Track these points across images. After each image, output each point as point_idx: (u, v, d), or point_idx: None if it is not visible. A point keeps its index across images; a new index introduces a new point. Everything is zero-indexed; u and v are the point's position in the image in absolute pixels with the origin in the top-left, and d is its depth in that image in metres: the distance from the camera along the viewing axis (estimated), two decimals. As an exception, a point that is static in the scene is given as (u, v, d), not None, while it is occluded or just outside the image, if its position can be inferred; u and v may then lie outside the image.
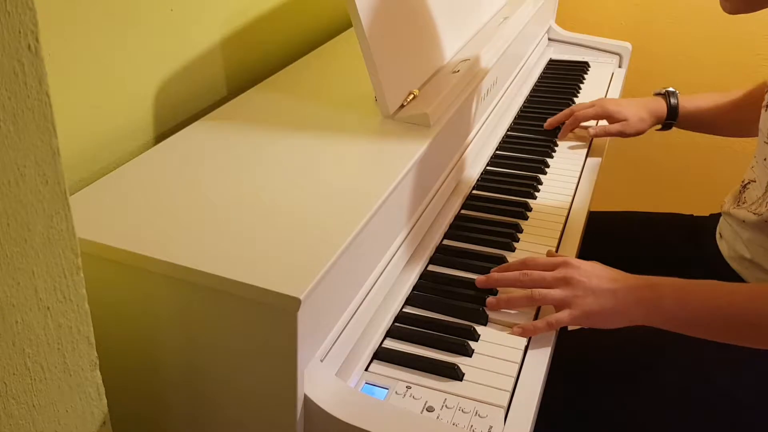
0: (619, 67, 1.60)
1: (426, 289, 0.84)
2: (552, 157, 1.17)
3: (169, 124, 0.94)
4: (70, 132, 0.79)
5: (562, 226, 0.99)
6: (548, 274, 0.80)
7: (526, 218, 0.99)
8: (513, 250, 0.92)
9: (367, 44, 0.85)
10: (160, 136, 0.92)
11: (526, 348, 0.77)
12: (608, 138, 1.24)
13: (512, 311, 0.81)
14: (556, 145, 1.21)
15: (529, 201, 1.03)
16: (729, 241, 1.00)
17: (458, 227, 0.96)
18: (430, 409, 0.68)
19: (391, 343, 0.76)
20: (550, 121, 1.25)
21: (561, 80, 1.47)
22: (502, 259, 0.89)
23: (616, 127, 1.20)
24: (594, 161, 1.18)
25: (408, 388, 0.70)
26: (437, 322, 0.79)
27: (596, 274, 0.79)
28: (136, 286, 0.66)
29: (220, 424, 0.69)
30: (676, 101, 1.20)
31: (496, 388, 0.70)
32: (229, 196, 0.73)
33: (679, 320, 0.77)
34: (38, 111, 0.41)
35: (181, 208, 0.70)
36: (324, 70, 1.08)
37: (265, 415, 0.66)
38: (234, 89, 1.05)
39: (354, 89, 1.00)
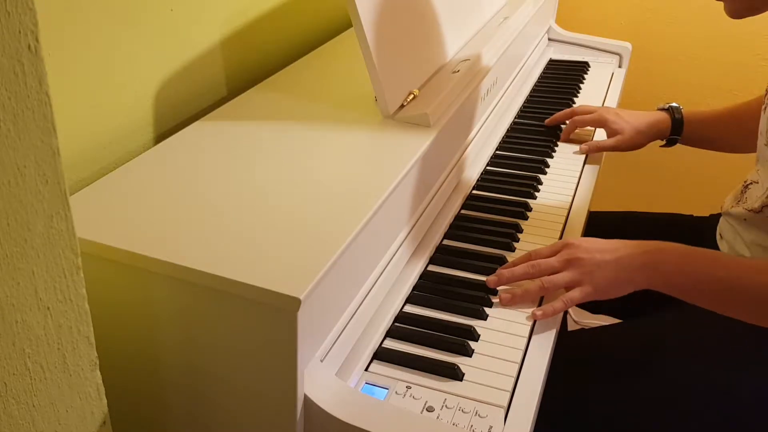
0: (619, 67, 1.60)
1: (426, 289, 0.84)
2: (552, 157, 1.17)
3: (169, 124, 0.94)
4: (70, 132, 0.79)
5: (562, 226, 0.99)
6: (554, 260, 0.83)
7: (526, 218, 0.99)
8: (513, 250, 0.92)
9: (367, 44, 0.85)
10: (160, 136, 0.93)
11: (527, 348, 0.77)
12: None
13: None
14: (556, 145, 1.21)
15: (529, 201, 1.03)
16: (729, 242, 1.00)
17: (458, 227, 0.96)
18: (430, 409, 0.68)
19: (391, 343, 0.76)
20: (550, 119, 1.25)
21: (561, 80, 1.47)
22: (502, 259, 0.89)
23: (609, 142, 1.17)
24: (594, 162, 1.18)
25: (408, 388, 0.70)
26: (437, 322, 0.79)
27: (597, 248, 0.83)
28: (136, 286, 0.66)
29: (220, 424, 0.69)
30: (680, 116, 1.17)
31: (496, 388, 0.70)
32: (229, 196, 0.73)
33: (679, 286, 0.80)
34: (38, 111, 0.41)
35: (181, 208, 0.70)
36: (324, 70, 1.08)
37: (265, 415, 0.66)
38: (234, 89, 1.05)
39: (354, 89, 1.00)
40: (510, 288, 0.84)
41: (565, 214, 1.02)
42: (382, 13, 0.89)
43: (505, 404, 0.69)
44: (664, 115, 1.18)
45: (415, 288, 0.84)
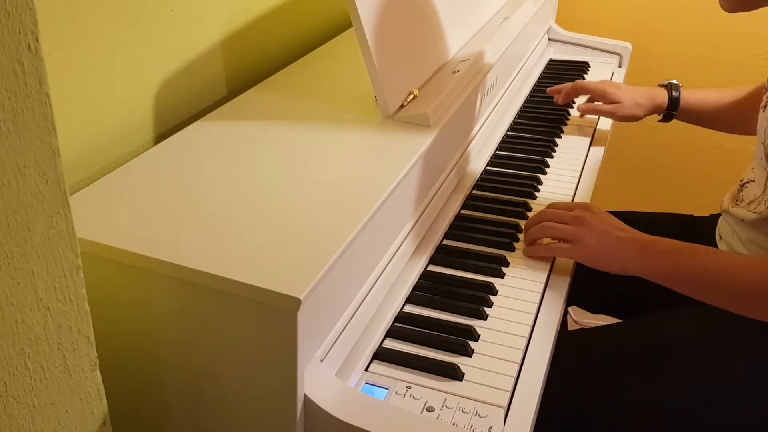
0: (619, 67, 1.60)
1: (426, 289, 0.84)
2: (552, 157, 1.17)
3: (169, 124, 0.94)
4: (70, 132, 0.79)
5: (562, 226, 0.99)
6: (566, 213, 0.89)
7: (526, 218, 0.99)
8: (513, 249, 0.92)
9: (367, 44, 0.85)
10: (160, 136, 0.93)
11: (527, 348, 0.77)
12: (610, 130, 1.26)
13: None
14: (556, 145, 1.21)
15: (529, 201, 1.03)
16: (727, 241, 1.00)
17: (458, 227, 0.96)
18: (430, 409, 0.68)
19: (391, 343, 0.76)
20: (554, 88, 1.30)
21: (561, 80, 1.46)
22: (502, 259, 0.89)
23: (607, 107, 1.22)
24: (594, 162, 1.18)
25: (408, 388, 0.70)
26: (437, 322, 0.79)
27: (608, 221, 0.87)
28: (136, 286, 0.66)
29: (220, 424, 0.69)
30: (678, 93, 1.22)
31: (496, 388, 0.70)
32: (229, 196, 0.73)
33: (669, 276, 0.83)
34: (38, 111, 0.41)
35: (181, 208, 0.70)
36: (324, 70, 1.08)
37: (265, 415, 0.66)
38: (234, 89, 1.05)
39: (354, 89, 1.00)
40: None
41: (565, 214, 1.02)
42: (382, 13, 0.89)
43: (505, 404, 0.69)
44: (662, 91, 1.23)
45: (415, 288, 0.84)
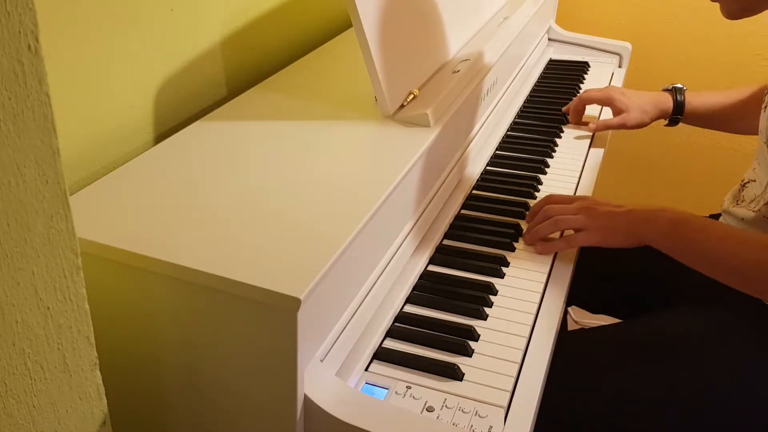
0: (619, 67, 1.60)
1: (426, 289, 0.84)
2: (552, 157, 1.17)
3: (169, 124, 0.94)
4: (70, 132, 0.79)
5: (562, 226, 0.99)
6: (571, 206, 0.92)
7: (526, 218, 0.99)
8: (513, 249, 0.92)
9: (367, 44, 0.85)
10: (160, 136, 0.93)
11: (527, 348, 0.77)
12: (610, 131, 1.26)
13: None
14: (556, 145, 1.21)
15: (529, 201, 1.03)
16: (729, 241, 1.00)
17: (458, 227, 0.96)
18: (430, 409, 0.68)
19: (391, 343, 0.76)
20: (565, 108, 1.30)
21: (561, 80, 1.47)
22: (502, 259, 0.89)
23: (616, 120, 1.23)
24: (594, 162, 1.18)
25: (408, 388, 0.70)
26: (437, 322, 0.79)
27: (609, 203, 0.91)
28: (136, 286, 0.66)
29: (220, 424, 0.69)
30: (682, 97, 1.23)
31: (496, 388, 0.70)
32: (229, 196, 0.73)
33: (673, 246, 0.86)
34: (38, 111, 0.41)
35: (181, 208, 0.70)
36: (324, 70, 1.08)
37: (265, 415, 0.66)
38: (234, 89, 1.05)
39: (354, 89, 1.00)
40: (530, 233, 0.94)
41: (565, 214, 1.02)
42: (382, 12, 0.89)
43: (505, 404, 0.69)
44: (667, 96, 1.24)
45: (415, 288, 0.84)
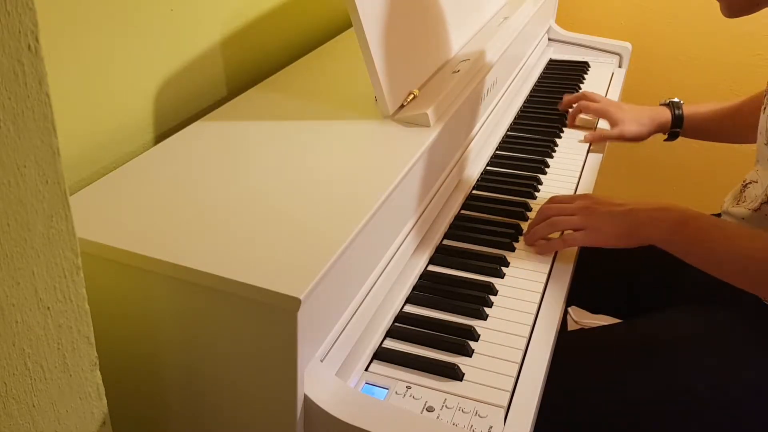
0: (619, 67, 1.60)
1: (426, 289, 0.84)
2: (552, 157, 1.17)
3: (169, 124, 0.94)
4: (70, 132, 0.79)
5: (562, 226, 0.99)
6: (570, 206, 0.91)
7: (526, 218, 0.99)
8: (513, 249, 0.92)
9: (367, 44, 0.85)
10: (160, 136, 0.93)
11: (527, 348, 0.77)
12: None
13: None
14: (556, 145, 1.21)
15: (529, 201, 1.03)
16: (729, 241, 1.00)
17: (458, 227, 0.96)
18: (430, 409, 0.68)
19: (391, 343, 0.76)
20: (562, 103, 1.30)
21: (561, 80, 1.47)
22: (502, 259, 0.89)
23: (614, 132, 1.22)
24: (594, 161, 1.18)
25: (408, 388, 0.70)
26: (437, 322, 0.79)
27: (611, 201, 0.90)
28: (136, 286, 0.66)
29: (220, 424, 0.69)
30: (680, 111, 1.22)
31: (496, 388, 0.70)
32: (229, 196, 0.73)
33: (676, 244, 0.84)
34: (38, 111, 0.41)
35: (181, 208, 0.70)
36: (324, 70, 1.09)
37: (265, 415, 0.66)
38: (234, 89, 1.05)
39: (354, 89, 1.00)
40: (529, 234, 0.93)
41: (565, 214, 1.02)
42: (382, 12, 0.89)
43: (505, 404, 0.69)
44: (665, 110, 1.23)
45: (415, 288, 0.84)
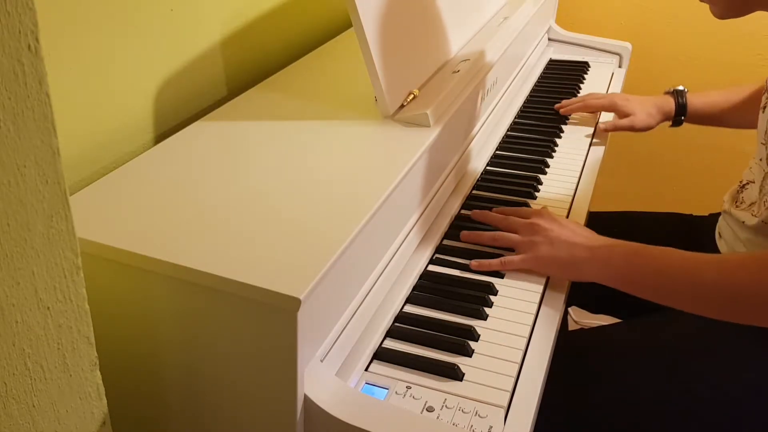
0: (619, 67, 1.60)
1: (426, 289, 0.84)
2: (552, 157, 1.17)
3: (169, 124, 0.94)
4: (70, 132, 0.79)
5: (562, 226, 0.99)
6: (520, 221, 0.88)
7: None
8: (513, 249, 0.92)
9: (367, 44, 0.85)
10: (160, 136, 0.93)
11: (527, 348, 0.77)
12: (609, 134, 1.28)
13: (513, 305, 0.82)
14: (556, 145, 1.21)
15: (529, 201, 1.03)
16: (728, 241, 1.00)
17: (458, 227, 0.96)
18: (430, 409, 0.68)
19: (391, 343, 0.76)
20: (561, 104, 1.31)
21: (561, 80, 1.47)
22: (502, 259, 0.89)
23: (625, 121, 1.25)
24: (594, 162, 1.18)
25: (408, 388, 0.70)
26: (437, 322, 0.79)
27: (563, 225, 0.86)
28: (136, 286, 0.66)
29: (220, 424, 0.69)
30: (684, 100, 1.25)
31: (496, 388, 0.70)
32: (229, 196, 0.73)
33: (629, 281, 0.80)
34: (38, 111, 0.41)
35: (181, 208, 0.70)
36: (324, 70, 1.08)
37: (265, 415, 0.66)
38: (234, 89, 1.05)
39: (354, 89, 1.00)
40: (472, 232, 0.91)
41: (565, 215, 1.02)
42: (382, 12, 0.89)
43: (505, 404, 0.69)
44: (669, 99, 1.26)
45: (415, 288, 0.84)
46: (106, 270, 0.66)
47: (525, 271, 0.87)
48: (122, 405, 0.70)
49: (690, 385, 0.85)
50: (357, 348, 0.73)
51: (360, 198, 0.73)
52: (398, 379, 0.71)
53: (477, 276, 0.86)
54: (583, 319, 1.87)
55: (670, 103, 1.25)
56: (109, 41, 0.81)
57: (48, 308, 0.45)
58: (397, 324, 0.78)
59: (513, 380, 0.72)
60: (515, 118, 1.28)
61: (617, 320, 1.12)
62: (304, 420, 0.65)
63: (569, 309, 1.76)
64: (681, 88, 1.26)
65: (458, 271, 0.87)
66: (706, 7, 0.96)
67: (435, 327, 0.78)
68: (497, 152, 1.17)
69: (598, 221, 1.16)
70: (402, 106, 0.92)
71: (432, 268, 0.88)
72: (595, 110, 1.29)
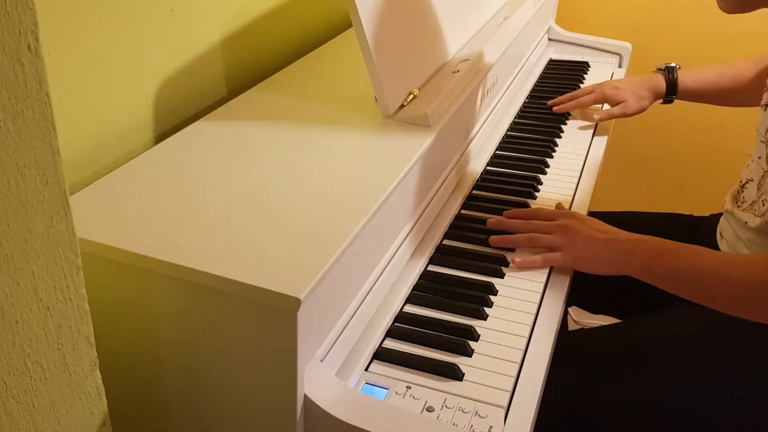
0: (619, 67, 1.60)
1: (426, 289, 0.84)
2: (552, 157, 1.17)
3: (169, 124, 0.94)
4: (70, 132, 0.79)
5: (562, 226, 0.99)
6: (551, 223, 0.91)
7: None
8: (513, 249, 0.92)
9: (367, 44, 0.85)
10: (160, 136, 0.93)
11: (527, 348, 0.77)
12: (612, 121, 1.29)
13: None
14: (556, 145, 1.21)
15: (529, 201, 1.03)
16: (729, 241, 1.00)
17: (458, 227, 0.96)
18: (430, 409, 0.68)
19: (391, 343, 0.76)
20: (554, 101, 1.32)
21: (561, 80, 1.47)
22: (502, 259, 0.89)
23: (617, 109, 1.25)
24: (594, 162, 1.18)
25: (408, 388, 0.70)
26: (437, 322, 0.79)
27: (592, 225, 0.89)
28: (136, 286, 0.66)
29: (220, 424, 0.69)
30: (674, 77, 1.25)
31: (496, 388, 0.70)
32: (229, 196, 0.73)
33: (656, 274, 0.83)
34: (38, 111, 0.41)
35: (181, 208, 0.70)
36: (324, 70, 1.08)
37: (265, 415, 0.66)
38: (234, 89, 1.05)
39: (354, 89, 1.00)
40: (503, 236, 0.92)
41: (565, 214, 1.02)
42: (382, 12, 0.89)
43: (505, 404, 0.69)
44: (659, 77, 1.26)
45: (415, 288, 0.84)
46: (106, 270, 0.66)
47: (529, 270, 0.88)
48: (122, 405, 0.70)
49: (690, 386, 0.85)
50: (357, 348, 0.73)
51: (360, 198, 0.73)
52: (398, 379, 0.71)
53: (477, 276, 0.86)
54: (583, 319, 1.87)
55: (660, 81, 1.25)
56: (109, 41, 0.81)
57: (48, 308, 0.45)
58: (397, 324, 0.79)
59: (513, 380, 0.72)
60: (515, 118, 1.28)
61: (617, 320, 1.12)
62: (304, 420, 0.65)
63: (569, 309, 1.76)
64: (673, 64, 1.26)
65: (458, 271, 0.87)
66: (706, 7, 0.96)
67: (435, 327, 0.78)
68: (497, 152, 1.17)
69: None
70: (402, 106, 0.92)
71: (432, 267, 0.88)
72: (587, 107, 1.30)
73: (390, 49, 0.89)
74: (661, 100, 1.28)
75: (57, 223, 0.44)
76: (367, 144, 0.85)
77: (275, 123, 0.89)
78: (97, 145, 0.83)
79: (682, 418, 0.84)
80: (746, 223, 0.95)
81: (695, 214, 1.19)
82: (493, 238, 0.91)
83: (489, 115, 1.17)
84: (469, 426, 0.66)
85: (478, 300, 0.82)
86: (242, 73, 1.07)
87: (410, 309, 0.81)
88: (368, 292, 0.76)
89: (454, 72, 1.02)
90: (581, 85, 1.45)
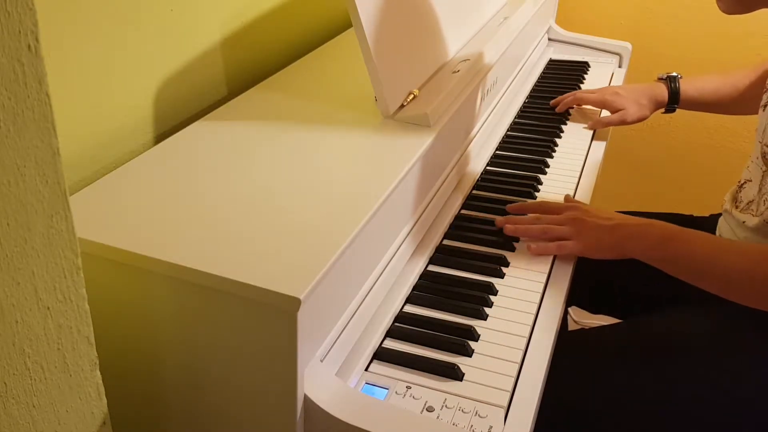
0: (619, 67, 1.60)
1: (426, 289, 0.84)
2: (552, 157, 1.17)
3: (169, 124, 0.94)
4: (70, 132, 0.79)
5: (562, 226, 0.99)
6: (559, 217, 0.93)
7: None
8: (513, 249, 0.92)
9: (367, 44, 0.85)
10: (160, 136, 0.93)
11: (527, 348, 0.77)
12: (611, 127, 1.29)
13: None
14: (556, 145, 1.21)
15: (529, 201, 1.03)
16: (729, 241, 1.00)
17: (458, 227, 0.96)
18: (430, 409, 0.68)
19: (391, 343, 0.76)
20: (556, 100, 1.32)
21: (561, 80, 1.47)
22: (502, 259, 0.89)
23: (615, 117, 1.25)
24: (594, 162, 1.18)
25: (408, 388, 0.70)
26: (437, 322, 0.79)
27: (599, 214, 0.92)
28: (136, 286, 0.66)
29: (219, 424, 0.69)
30: (677, 86, 1.25)
31: (496, 388, 0.70)
32: (229, 196, 0.73)
33: (659, 257, 0.86)
34: (38, 111, 0.41)
35: (181, 208, 0.70)
36: (324, 70, 1.08)
37: (265, 415, 0.66)
38: (234, 89, 1.05)
39: (354, 89, 1.00)
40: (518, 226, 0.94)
41: (565, 214, 1.02)
42: (382, 12, 0.89)
43: (505, 404, 0.69)
44: (661, 86, 1.26)
45: (415, 288, 0.84)
46: (106, 270, 0.66)
47: (527, 266, 0.89)
48: (122, 405, 0.70)
49: (690, 386, 0.85)
50: (357, 348, 0.73)
51: (360, 198, 0.73)
52: (398, 379, 0.71)
53: (477, 276, 0.86)
54: (583, 319, 1.87)
55: (662, 91, 1.25)
56: (109, 41, 0.81)
57: (48, 308, 0.45)
58: (397, 324, 0.79)
59: (513, 380, 0.72)
60: (515, 118, 1.28)
61: (617, 320, 1.12)
62: (304, 420, 0.65)
63: (569, 309, 1.76)
64: (675, 74, 1.26)
65: (458, 271, 0.87)
66: (706, 7, 0.96)
67: (435, 327, 0.78)
68: (497, 152, 1.17)
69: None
70: (402, 106, 0.92)
71: (432, 267, 0.88)
72: (585, 102, 1.30)
73: (390, 49, 0.89)
74: (662, 110, 1.28)
75: (57, 223, 0.44)
76: (367, 144, 0.85)
77: (275, 123, 0.89)
78: (97, 145, 0.83)
79: (682, 418, 0.84)
80: (744, 222, 0.95)
81: (695, 214, 1.19)
82: (508, 227, 0.94)
83: (489, 115, 1.17)
84: (469, 426, 0.66)
85: (478, 300, 0.82)
86: (242, 73, 1.08)
87: (410, 309, 0.81)
88: (368, 292, 0.76)
89: (454, 72, 1.02)
90: (581, 86, 1.45)
